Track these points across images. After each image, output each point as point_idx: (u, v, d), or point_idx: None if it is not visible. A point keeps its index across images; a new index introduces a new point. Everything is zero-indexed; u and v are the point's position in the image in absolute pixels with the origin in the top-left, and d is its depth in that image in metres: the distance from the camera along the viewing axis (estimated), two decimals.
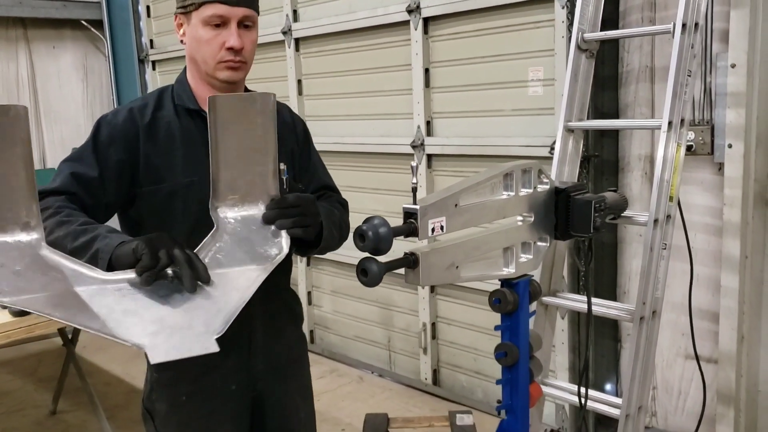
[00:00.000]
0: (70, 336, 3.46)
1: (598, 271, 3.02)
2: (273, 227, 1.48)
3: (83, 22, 6.27)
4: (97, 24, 6.24)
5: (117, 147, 1.58)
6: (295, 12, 4.20)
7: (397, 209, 4.12)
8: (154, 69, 5.78)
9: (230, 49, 1.60)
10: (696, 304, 2.33)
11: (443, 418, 3.17)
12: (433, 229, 1.55)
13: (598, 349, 3.16)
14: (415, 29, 3.51)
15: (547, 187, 1.91)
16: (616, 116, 3.00)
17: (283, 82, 4.27)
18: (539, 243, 1.89)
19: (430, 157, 3.57)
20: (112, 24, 6.09)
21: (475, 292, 3.50)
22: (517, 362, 1.88)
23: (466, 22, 3.33)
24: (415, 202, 1.54)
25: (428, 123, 3.57)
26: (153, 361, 1.18)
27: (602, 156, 3.01)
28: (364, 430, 3.10)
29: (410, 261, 1.52)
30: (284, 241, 1.50)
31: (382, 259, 1.42)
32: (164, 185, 1.61)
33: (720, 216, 2.63)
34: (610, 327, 3.18)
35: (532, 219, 1.85)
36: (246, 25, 1.62)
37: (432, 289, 3.70)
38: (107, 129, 1.60)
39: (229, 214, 1.50)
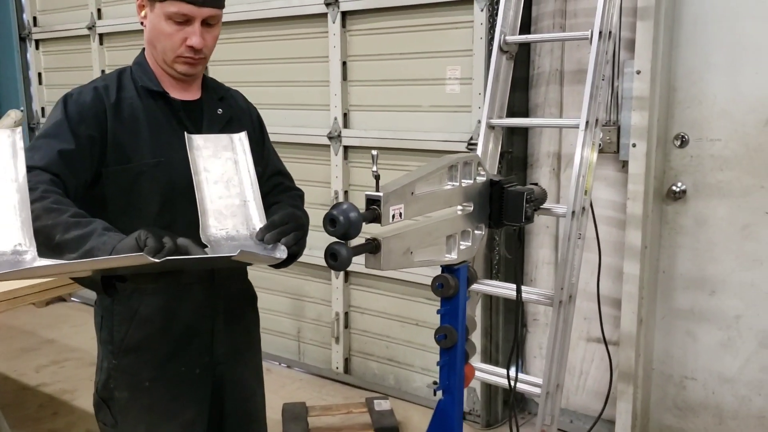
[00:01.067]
0: None
1: (508, 261, 3.20)
2: (268, 244, 1.49)
3: None
4: None
5: (87, 123, 1.55)
6: None
7: (310, 200, 4.15)
8: (37, 48, 5.43)
9: (191, 47, 1.61)
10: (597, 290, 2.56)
11: (361, 405, 3.25)
12: (393, 216, 1.61)
13: (504, 335, 3.35)
14: (333, 22, 3.54)
15: (484, 179, 2.03)
16: (526, 116, 3.19)
17: None
18: (476, 231, 2.01)
19: (346, 148, 3.62)
20: None
21: (388, 281, 3.60)
22: (456, 344, 1.98)
23: (385, 18, 3.40)
24: (377, 190, 1.59)
25: (345, 115, 3.62)
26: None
27: (513, 152, 3.19)
28: (283, 419, 3.11)
29: (372, 246, 1.58)
30: (279, 250, 1.52)
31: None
32: (132, 165, 1.59)
33: (621, 209, 2.88)
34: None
35: (471, 209, 1.96)
36: (209, 23, 1.63)
37: (346, 278, 3.76)
38: (75, 106, 1.56)
39: (219, 238, 1.53)
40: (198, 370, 1.71)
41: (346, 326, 3.83)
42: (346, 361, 3.86)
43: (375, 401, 3.22)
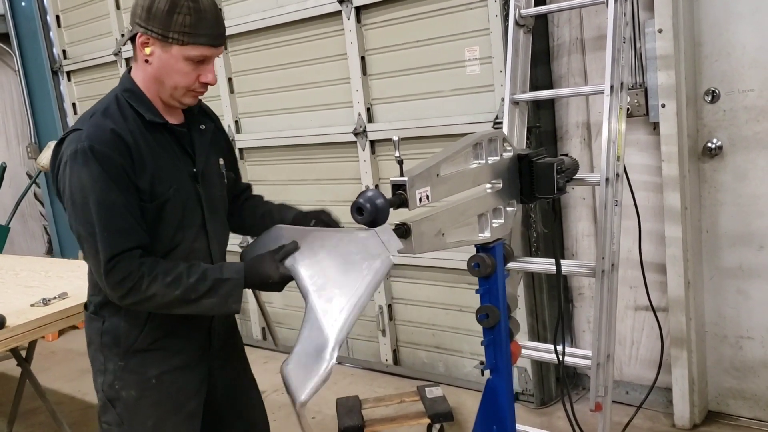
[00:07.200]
0: (24, 354, 3.32)
1: (546, 237, 3.17)
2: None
3: None
4: (3, 37, 5.94)
5: (126, 168, 1.63)
6: (220, 10, 4.16)
7: (343, 198, 4.16)
8: (69, 80, 5.58)
9: (205, 83, 1.71)
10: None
11: (412, 394, 3.26)
12: (420, 199, 1.62)
13: (550, 312, 3.31)
14: (348, 19, 3.55)
15: (511, 154, 2.01)
16: (551, 88, 3.15)
17: None
18: (508, 208, 1.99)
19: (373, 143, 3.63)
20: (19, 36, 5.81)
21: (428, 269, 3.60)
22: (499, 323, 1.97)
23: (398, 8, 3.40)
24: (402, 175, 1.59)
25: (368, 110, 3.63)
26: None
27: (541, 127, 3.15)
28: (338, 413, 3.14)
29: (403, 231, 1.59)
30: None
31: None
32: (157, 200, 1.69)
33: (657, 173, 2.82)
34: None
35: (501, 185, 1.95)
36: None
37: None
38: (106, 159, 1.60)
39: None
40: (197, 364, 1.85)
41: (391, 318, 3.84)
42: (395, 353, 3.87)
43: (426, 389, 3.22)
